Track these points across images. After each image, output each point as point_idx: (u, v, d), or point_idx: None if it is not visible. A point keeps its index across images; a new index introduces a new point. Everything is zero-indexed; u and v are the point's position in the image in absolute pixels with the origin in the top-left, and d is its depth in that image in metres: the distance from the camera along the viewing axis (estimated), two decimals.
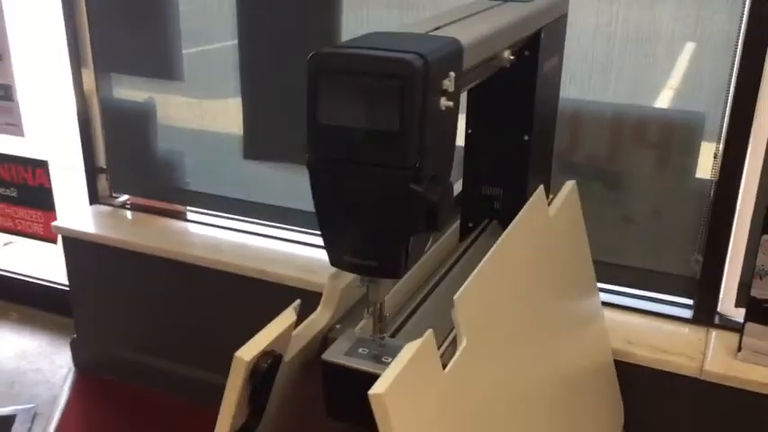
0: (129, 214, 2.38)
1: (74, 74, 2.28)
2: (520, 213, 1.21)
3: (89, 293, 2.40)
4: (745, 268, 1.70)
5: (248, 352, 0.85)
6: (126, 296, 2.33)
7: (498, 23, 1.08)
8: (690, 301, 1.78)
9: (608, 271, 1.83)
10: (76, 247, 2.33)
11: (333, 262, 0.91)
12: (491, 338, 1.04)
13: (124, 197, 2.44)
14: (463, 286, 0.97)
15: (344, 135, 0.82)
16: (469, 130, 1.37)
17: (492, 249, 1.08)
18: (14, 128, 2.38)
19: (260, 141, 2.18)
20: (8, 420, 2.23)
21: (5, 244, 3.20)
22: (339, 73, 0.81)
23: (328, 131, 0.83)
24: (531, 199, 1.29)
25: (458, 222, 1.39)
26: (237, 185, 2.25)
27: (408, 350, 0.84)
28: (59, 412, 2.29)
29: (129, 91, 2.31)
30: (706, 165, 1.70)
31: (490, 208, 1.36)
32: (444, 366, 0.90)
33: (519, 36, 1.17)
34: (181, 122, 2.28)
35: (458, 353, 0.94)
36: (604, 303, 1.75)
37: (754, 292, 1.58)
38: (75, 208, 2.47)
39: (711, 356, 1.64)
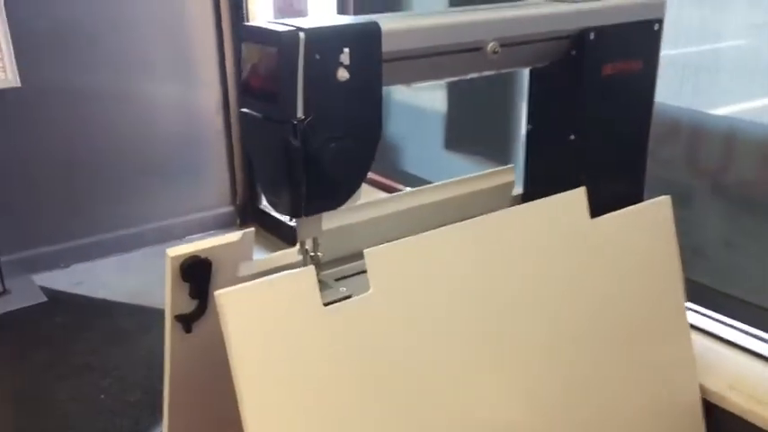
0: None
1: None
2: (517, 207, 1.25)
3: None
4: None
5: (176, 252, 1.11)
6: None
7: (481, 17, 1.15)
8: None
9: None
10: None
11: (267, 201, 1.12)
12: (406, 304, 1.12)
13: None
14: (384, 245, 1.10)
15: (252, 93, 1.03)
16: (529, 126, 1.42)
17: (451, 226, 1.17)
18: None
19: (458, 135, 2.37)
20: None
21: None
22: (248, 41, 1.02)
23: (245, 89, 1.05)
24: (552, 198, 1.29)
25: None
26: (438, 171, 2.46)
27: (280, 277, 1.02)
28: None
29: None
30: None
31: None
32: None
33: (517, 32, 1.21)
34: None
35: (352, 299, 1.07)
36: (730, 342, 1.58)
37: None
38: None
39: None
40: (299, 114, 0.99)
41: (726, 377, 1.54)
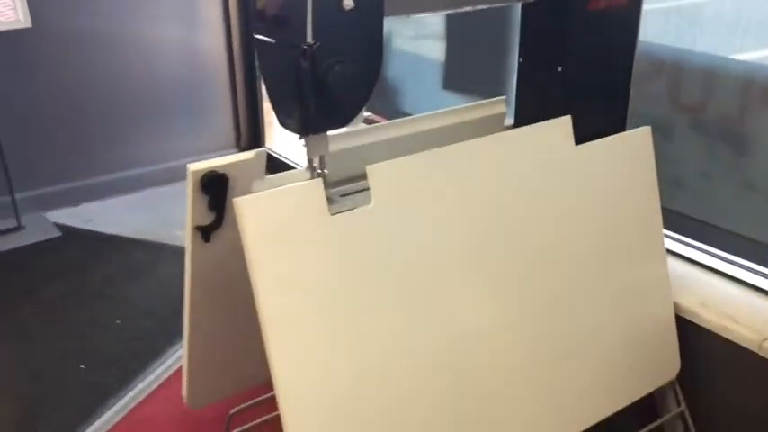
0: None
1: None
2: (507, 132, 1.36)
3: None
4: None
5: (197, 167, 1.22)
6: None
7: None
8: None
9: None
10: None
11: (279, 121, 1.23)
12: (403, 217, 1.24)
13: (366, 114, 2.94)
14: (384, 162, 1.21)
15: (266, 20, 1.13)
16: (521, 59, 1.52)
17: (449, 146, 1.28)
18: None
19: (456, 75, 2.46)
20: None
21: None
22: None
23: (260, 17, 1.15)
24: (539, 125, 1.40)
25: None
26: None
27: (291, 187, 1.14)
28: None
29: None
30: None
31: None
32: None
33: None
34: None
35: (356, 209, 1.19)
36: (704, 266, 1.72)
37: None
38: None
39: None
40: (309, 40, 1.09)
41: (698, 296, 1.68)
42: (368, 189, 1.22)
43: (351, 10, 1.11)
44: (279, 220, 1.12)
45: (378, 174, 1.20)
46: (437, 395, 1.29)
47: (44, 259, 2.85)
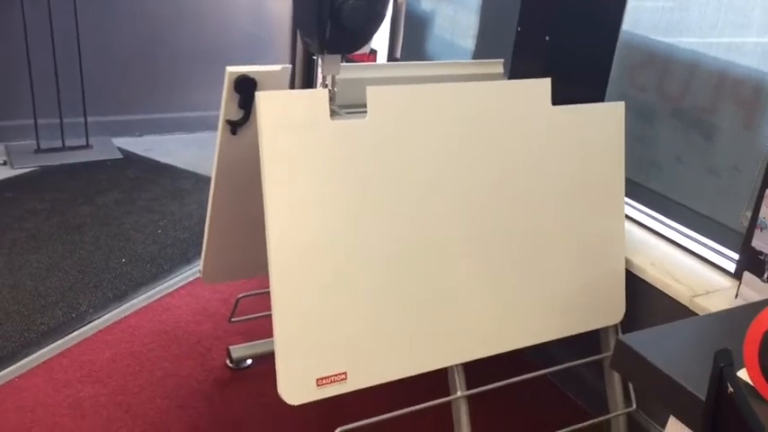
0: None
1: None
2: (493, 82, 1.63)
3: None
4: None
5: (233, 69, 1.53)
6: None
7: None
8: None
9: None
10: None
11: (302, 41, 1.54)
12: (392, 135, 1.52)
13: None
14: (381, 86, 1.50)
15: None
16: (519, 28, 1.79)
17: (442, 84, 1.56)
18: None
19: (486, 48, 2.73)
20: None
21: None
22: None
23: None
24: (522, 81, 1.67)
25: None
26: None
27: (301, 91, 1.44)
28: None
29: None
30: None
31: None
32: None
33: None
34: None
35: (352, 119, 1.49)
36: (660, 235, 1.97)
37: (754, 243, 1.67)
38: None
39: (712, 296, 1.76)
40: None
41: (649, 257, 1.92)
42: None
43: None
44: (289, 117, 1.42)
45: (375, 95, 1.49)
46: (406, 293, 1.56)
47: (105, 174, 3.24)
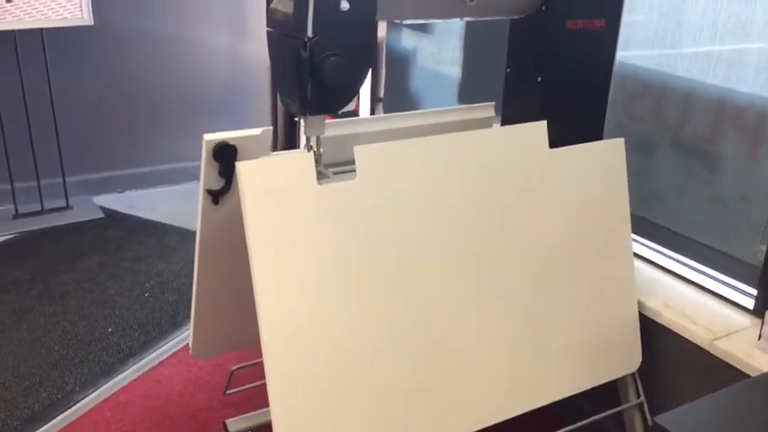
0: None
1: None
2: (486, 129, 1.54)
3: None
4: None
5: (211, 137, 1.44)
6: None
7: None
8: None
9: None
10: None
11: (282, 103, 1.44)
12: (384, 195, 1.43)
13: None
14: (371, 144, 1.41)
15: (276, 15, 1.35)
16: (508, 70, 1.71)
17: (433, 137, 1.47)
18: None
19: (471, 89, 2.66)
20: None
21: None
22: None
23: (272, 12, 1.36)
24: (516, 127, 1.58)
25: None
26: None
27: (285, 157, 1.34)
28: None
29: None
30: None
31: None
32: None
33: None
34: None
35: (341, 182, 1.39)
36: (670, 272, 1.87)
37: None
38: None
39: (733, 338, 1.67)
40: (309, 34, 1.30)
41: (662, 297, 1.82)
42: None
43: (346, 11, 1.31)
44: (273, 185, 1.32)
45: (364, 154, 1.40)
46: (410, 361, 1.46)
47: (86, 236, 3.12)
